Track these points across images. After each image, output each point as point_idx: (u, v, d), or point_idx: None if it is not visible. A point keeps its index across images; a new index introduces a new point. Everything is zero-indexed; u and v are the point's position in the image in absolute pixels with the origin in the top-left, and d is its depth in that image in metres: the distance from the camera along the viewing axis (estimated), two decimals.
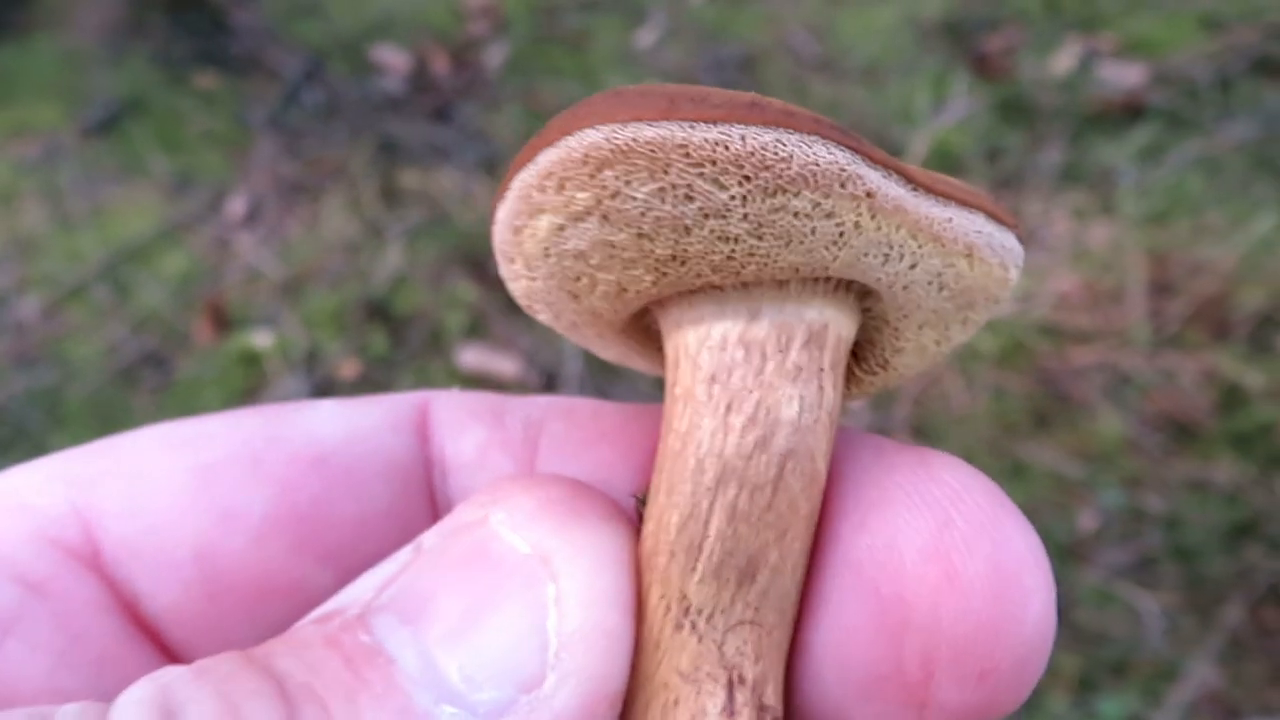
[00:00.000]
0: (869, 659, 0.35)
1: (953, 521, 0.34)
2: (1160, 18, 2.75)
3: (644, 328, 0.42)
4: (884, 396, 1.90)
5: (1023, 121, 2.49)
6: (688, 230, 0.34)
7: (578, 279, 0.37)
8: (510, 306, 2.20)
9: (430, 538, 0.34)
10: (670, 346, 0.38)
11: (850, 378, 0.42)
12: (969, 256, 0.36)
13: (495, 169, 2.60)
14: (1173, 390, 1.82)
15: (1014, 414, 1.84)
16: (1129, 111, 2.43)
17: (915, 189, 0.34)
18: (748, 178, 0.33)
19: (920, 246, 0.35)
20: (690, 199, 0.33)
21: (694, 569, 0.35)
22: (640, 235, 0.34)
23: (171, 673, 0.30)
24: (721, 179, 0.33)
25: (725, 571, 0.35)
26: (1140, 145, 2.33)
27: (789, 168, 0.33)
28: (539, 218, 0.35)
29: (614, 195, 0.34)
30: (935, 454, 0.36)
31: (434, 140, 2.73)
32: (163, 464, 0.38)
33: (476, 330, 2.19)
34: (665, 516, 0.36)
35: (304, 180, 2.64)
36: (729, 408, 0.35)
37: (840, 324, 0.37)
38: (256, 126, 2.80)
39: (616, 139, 0.33)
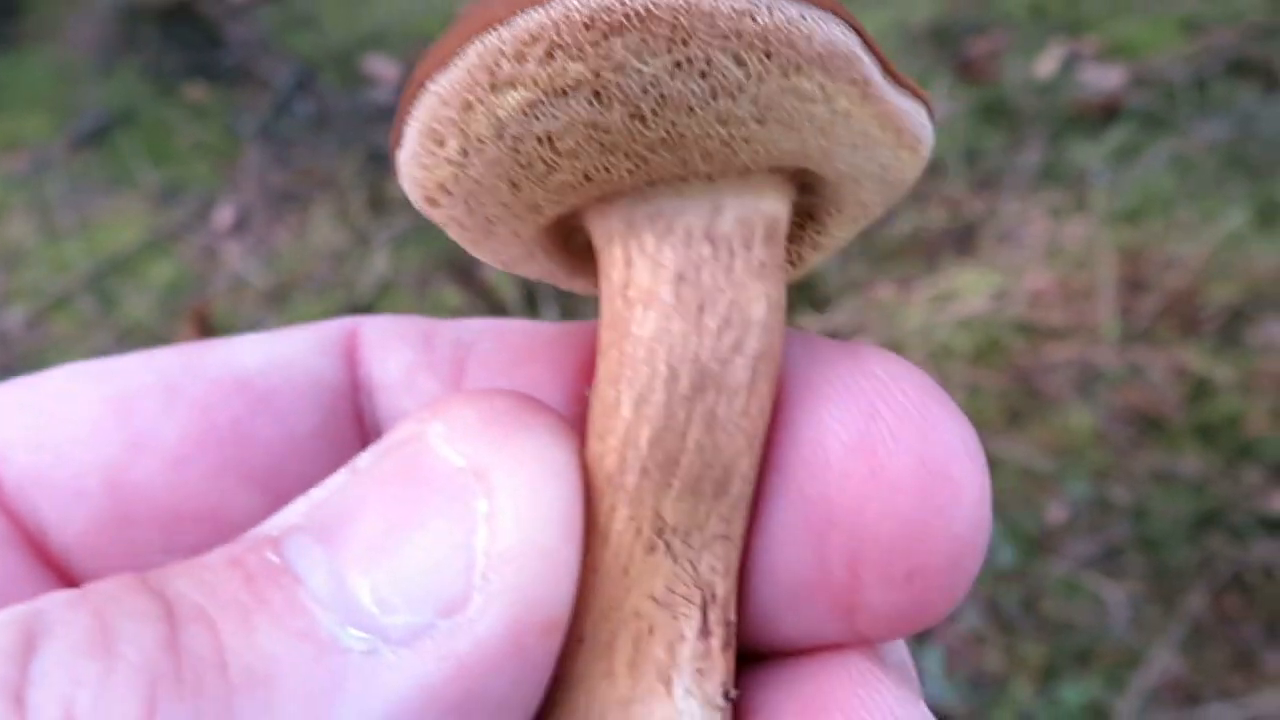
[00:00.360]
0: (795, 563, 0.33)
1: (879, 414, 0.32)
2: (1143, 21, 2.77)
3: (561, 224, 0.38)
4: None
5: (1004, 124, 2.51)
6: (691, 111, 0.31)
7: (530, 165, 0.33)
8: (494, 311, 2.23)
9: (365, 458, 0.32)
10: (617, 247, 0.34)
11: None
12: (914, 149, 0.35)
13: None
14: (1142, 384, 1.84)
15: (988, 410, 1.85)
16: (1107, 113, 2.45)
17: (888, 78, 0.32)
18: (769, 54, 0.30)
19: (884, 137, 0.33)
20: (705, 76, 0.30)
21: (670, 485, 0.33)
22: (634, 116, 0.31)
23: (54, 596, 0.28)
24: (743, 54, 0.30)
25: (703, 485, 0.33)
26: (1116, 145, 2.35)
27: (810, 45, 0.30)
28: (505, 92, 0.31)
29: (618, 68, 0.30)
30: (866, 347, 0.34)
31: None
32: (73, 396, 0.37)
33: None
34: (633, 432, 0.33)
35: (293, 190, 2.67)
36: (701, 309, 0.33)
37: (784, 218, 0.35)
38: (246, 137, 2.83)
39: (634, 1, 0.29)
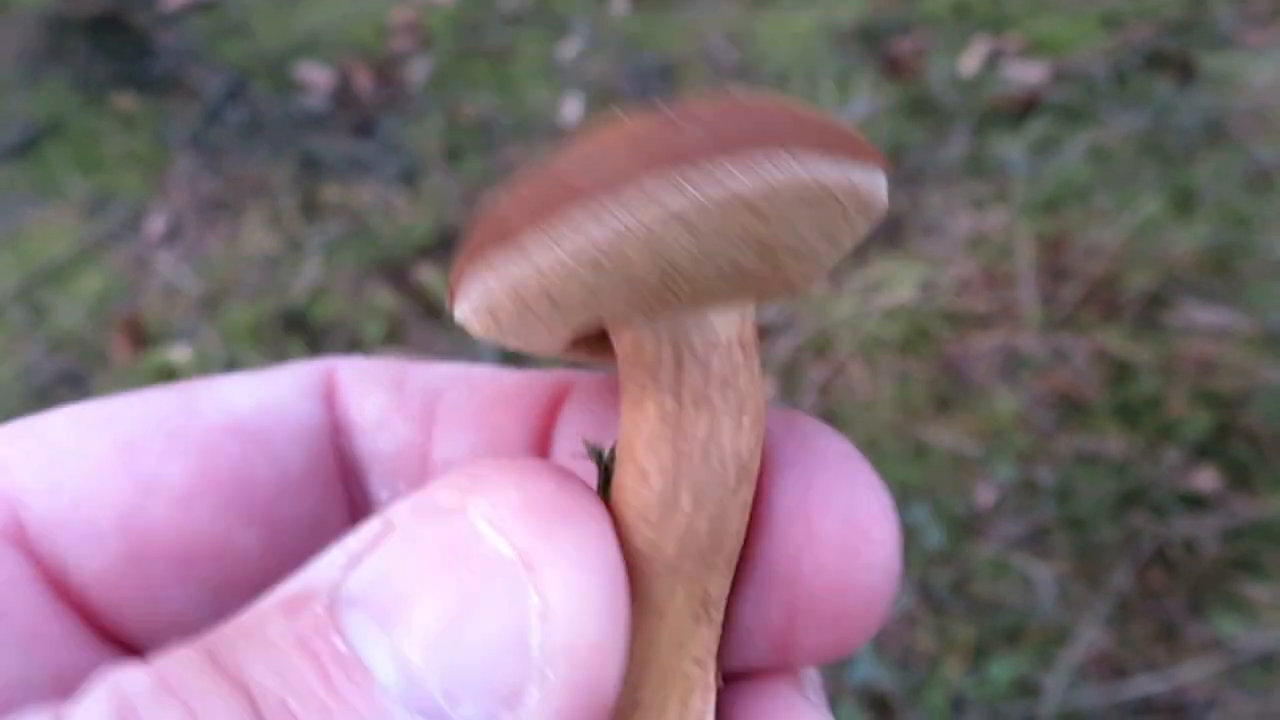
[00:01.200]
0: (739, 616, 0.37)
1: (814, 485, 0.36)
2: (1064, 18, 2.83)
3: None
4: (791, 385, 1.94)
5: (929, 120, 2.55)
6: (757, 255, 0.32)
7: (570, 311, 0.34)
8: (428, 313, 2.23)
9: (401, 515, 0.33)
10: (666, 348, 0.35)
11: None
12: (867, 215, 0.35)
13: (414, 180, 2.62)
14: (1065, 369, 1.88)
15: (917, 398, 1.89)
16: (1026, 107, 2.50)
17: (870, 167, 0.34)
18: (854, 213, 0.32)
19: (852, 222, 0.35)
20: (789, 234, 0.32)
21: (716, 565, 0.35)
22: (713, 268, 0.32)
23: (129, 680, 0.29)
24: (844, 217, 0.32)
25: (732, 560, 0.36)
26: (1036, 138, 2.40)
27: (876, 203, 0.33)
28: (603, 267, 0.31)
29: (716, 236, 0.31)
30: (802, 419, 0.38)
31: (355, 154, 2.76)
32: (82, 440, 0.39)
33: (395, 337, 2.21)
34: (694, 524, 0.35)
35: (224, 197, 2.65)
36: (741, 409, 0.35)
37: None
38: (177, 146, 2.81)
39: (734, 182, 0.30)
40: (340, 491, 0.43)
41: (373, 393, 0.42)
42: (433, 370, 0.43)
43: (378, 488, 0.43)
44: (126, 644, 0.40)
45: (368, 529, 0.33)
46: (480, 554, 0.31)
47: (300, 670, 0.29)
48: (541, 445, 0.41)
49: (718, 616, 0.36)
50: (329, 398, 0.43)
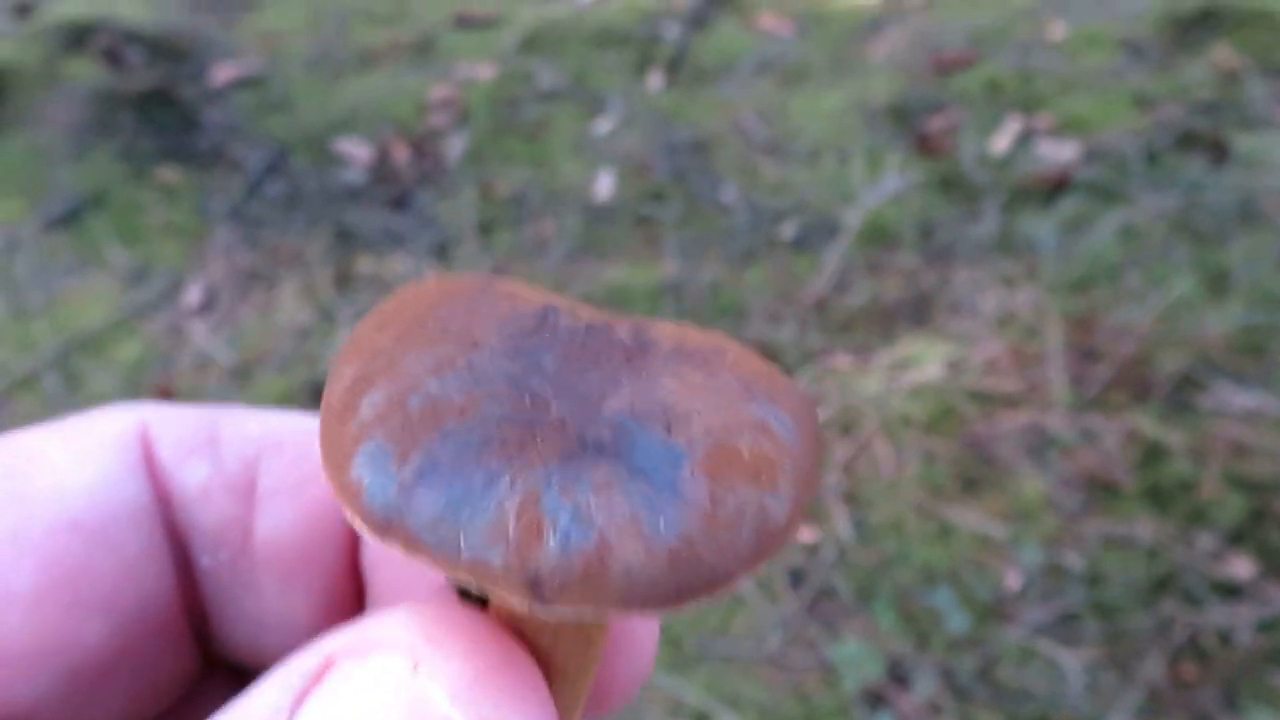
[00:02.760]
0: None
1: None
2: (1096, 97, 2.84)
3: None
4: None
5: (959, 197, 2.55)
6: None
7: None
8: None
9: (341, 654, 0.36)
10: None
11: None
12: None
13: (446, 252, 2.65)
14: (1094, 450, 1.86)
15: (942, 478, 1.86)
16: (1058, 185, 2.50)
17: None
18: None
19: None
20: None
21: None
22: None
23: None
24: None
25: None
26: (1068, 216, 2.40)
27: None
28: None
29: None
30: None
31: (390, 227, 2.80)
32: None
33: None
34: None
35: (260, 268, 2.70)
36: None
37: None
38: (216, 218, 2.86)
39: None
40: (166, 559, 0.44)
41: (190, 461, 0.44)
42: (246, 427, 0.45)
43: (199, 553, 0.45)
44: None
45: (305, 662, 0.35)
46: None
47: None
48: None
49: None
50: (150, 467, 0.44)
